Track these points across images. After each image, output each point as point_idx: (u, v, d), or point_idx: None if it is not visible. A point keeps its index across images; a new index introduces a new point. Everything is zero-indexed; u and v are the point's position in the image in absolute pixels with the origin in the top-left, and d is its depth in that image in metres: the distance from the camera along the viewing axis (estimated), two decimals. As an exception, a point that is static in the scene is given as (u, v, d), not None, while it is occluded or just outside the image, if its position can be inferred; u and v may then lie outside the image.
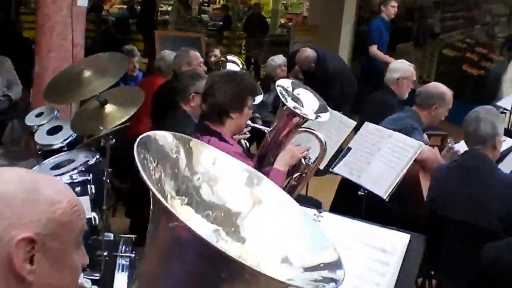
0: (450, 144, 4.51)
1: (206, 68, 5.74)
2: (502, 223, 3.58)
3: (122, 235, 3.34)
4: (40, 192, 1.27)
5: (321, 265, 1.39)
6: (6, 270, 1.22)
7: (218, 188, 1.52)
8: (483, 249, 2.88)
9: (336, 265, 1.39)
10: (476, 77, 10.86)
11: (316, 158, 3.47)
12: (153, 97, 5.02)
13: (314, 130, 3.47)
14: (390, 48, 11.59)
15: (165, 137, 1.47)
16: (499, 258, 2.79)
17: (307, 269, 1.38)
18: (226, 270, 1.20)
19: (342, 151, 4.28)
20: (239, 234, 1.48)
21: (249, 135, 3.87)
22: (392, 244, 2.13)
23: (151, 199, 1.31)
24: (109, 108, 3.71)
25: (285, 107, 3.46)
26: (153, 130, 4.38)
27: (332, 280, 1.35)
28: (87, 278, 2.86)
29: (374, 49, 8.39)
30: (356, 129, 4.41)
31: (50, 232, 1.25)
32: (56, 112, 4.63)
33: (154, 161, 1.37)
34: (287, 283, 1.27)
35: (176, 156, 1.46)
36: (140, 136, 1.38)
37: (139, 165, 1.28)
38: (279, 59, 7.51)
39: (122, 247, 3.22)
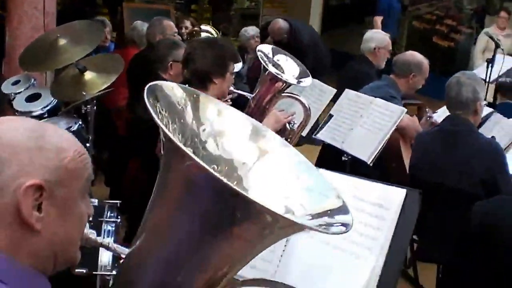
0: (428, 113, 4.57)
1: (180, 38, 5.68)
2: (484, 187, 3.63)
3: (107, 201, 3.30)
4: (47, 140, 1.25)
5: (328, 211, 1.40)
6: (12, 218, 1.20)
7: (224, 141, 1.51)
8: (472, 209, 2.90)
9: (342, 210, 1.40)
10: (446, 49, 10.94)
11: (301, 123, 3.47)
12: (129, 68, 4.95)
13: (297, 95, 3.46)
14: (358, 21, 11.61)
15: (172, 88, 1.45)
16: (489, 216, 2.82)
17: (314, 216, 1.38)
18: (241, 211, 1.20)
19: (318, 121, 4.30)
20: (242, 186, 1.48)
21: (231, 102, 3.84)
22: (388, 199, 2.13)
23: (163, 145, 1.29)
24: (88, 75, 3.68)
25: (267, 72, 3.44)
26: (131, 101, 4.32)
27: (342, 224, 1.36)
28: None
29: (377, 20, 8.35)
30: (335, 99, 4.42)
31: (58, 179, 1.23)
32: (33, 80, 4.55)
33: (163, 110, 1.35)
34: (306, 225, 1.26)
35: (183, 108, 1.45)
36: (148, 85, 1.36)
37: (151, 110, 1.26)
38: (252, 30, 7.48)
39: (107, 213, 3.17)
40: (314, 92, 4.35)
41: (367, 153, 3.77)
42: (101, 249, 2.88)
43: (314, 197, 1.46)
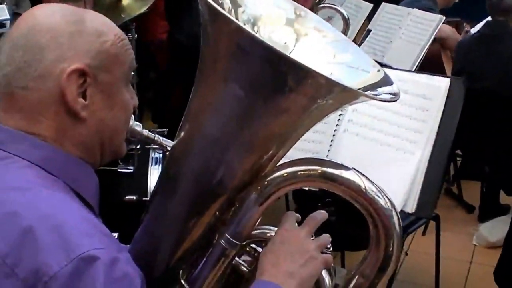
0: (466, 28, 4.49)
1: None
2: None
3: (154, 130, 3.33)
4: (87, 23, 1.23)
5: (372, 84, 1.35)
6: (58, 107, 1.19)
7: (262, 25, 1.47)
8: None
9: (386, 81, 1.36)
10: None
11: (341, 35, 3.42)
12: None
13: (336, 5, 3.41)
14: None
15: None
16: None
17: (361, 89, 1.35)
18: (293, 76, 1.16)
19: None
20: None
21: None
22: (432, 89, 2.11)
23: (205, 22, 1.25)
24: (126, 0, 3.66)
25: (304, -18, 3.38)
26: (171, 31, 4.26)
27: (390, 93, 1.33)
28: (121, 170, 2.85)
29: None
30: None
31: (101, 64, 1.22)
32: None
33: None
34: (356, 89, 1.23)
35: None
36: None
37: None
38: None
39: (154, 141, 3.19)
40: (350, 8, 4.27)
41: (409, 64, 3.71)
42: (150, 176, 2.92)
43: (355, 73, 1.43)
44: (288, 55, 1.16)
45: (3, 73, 1.20)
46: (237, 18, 1.42)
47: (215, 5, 1.16)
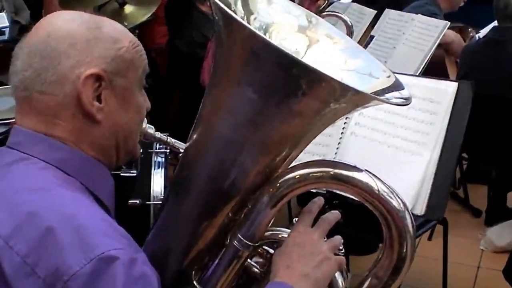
0: (471, 33, 4.50)
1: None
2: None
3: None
4: (103, 30, 1.28)
5: (383, 89, 1.37)
6: (74, 109, 1.23)
7: (274, 32, 1.49)
8: None
9: (398, 85, 1.37)
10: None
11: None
12: (166, 4, 4.97)
13: (339, 12, 3.44)
14: None
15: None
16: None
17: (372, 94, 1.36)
18: (305, 81, 1.18)
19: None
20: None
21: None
22: (439, 93, 2.13)
23: (219, 28, 1.27)
24: (129, 8, 3.69)
25: (307, -10, 3.41)
26: (170, 38, 4.30)
27: (401, 98, 1.34)
28: (124, 174, 2.84)
29: None
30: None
31: (116, 69, 1.26)
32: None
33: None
34: (368, 93, 1.25)
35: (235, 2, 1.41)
36: None
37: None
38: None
39: (156, 144, 3.19)
40: (353, 15, 4.28)
41: (412, 70, 3.71)
42: (153, 180, 2.92)
43: (366, 78, 1.44)
44: (301, 59, 1.18)
45: (20, 78, 1.24)
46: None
47: (229, 11, 1.18)
